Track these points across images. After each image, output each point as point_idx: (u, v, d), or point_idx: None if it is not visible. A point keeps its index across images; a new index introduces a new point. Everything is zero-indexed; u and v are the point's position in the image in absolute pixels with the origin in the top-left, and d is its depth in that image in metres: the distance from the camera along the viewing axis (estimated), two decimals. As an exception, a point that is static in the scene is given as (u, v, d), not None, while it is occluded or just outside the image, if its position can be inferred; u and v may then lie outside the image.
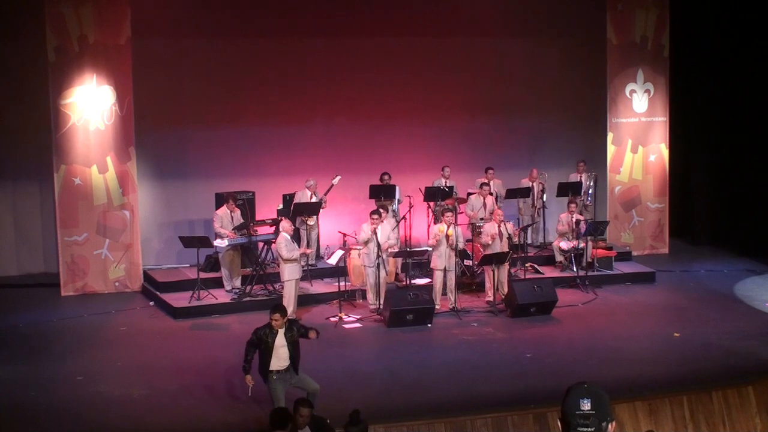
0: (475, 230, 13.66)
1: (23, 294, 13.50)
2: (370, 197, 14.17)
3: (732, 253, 15.68)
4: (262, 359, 8.21)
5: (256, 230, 13.13)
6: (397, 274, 13.58)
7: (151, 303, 13.01)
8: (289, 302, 11.57)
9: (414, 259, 13.54)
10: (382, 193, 14.15)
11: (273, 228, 13.01)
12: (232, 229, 12.81)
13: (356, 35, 15.26)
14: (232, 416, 8.69)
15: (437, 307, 12.14)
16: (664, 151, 15.92)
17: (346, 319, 11.99)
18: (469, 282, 13.47)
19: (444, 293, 12.41)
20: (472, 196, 14.24)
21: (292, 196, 14.06)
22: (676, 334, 11.31)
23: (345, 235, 13.11)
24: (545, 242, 15.24)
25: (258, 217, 13.61)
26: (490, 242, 12.56)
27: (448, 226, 12.13)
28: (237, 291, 12.82)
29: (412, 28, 15.41)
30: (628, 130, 15.77)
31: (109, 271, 13.61)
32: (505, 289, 12.41)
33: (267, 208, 14.18)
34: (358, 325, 11.91)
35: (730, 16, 15.70)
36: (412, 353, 10.73)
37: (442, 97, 15.72)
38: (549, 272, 13.93)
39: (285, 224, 11.95)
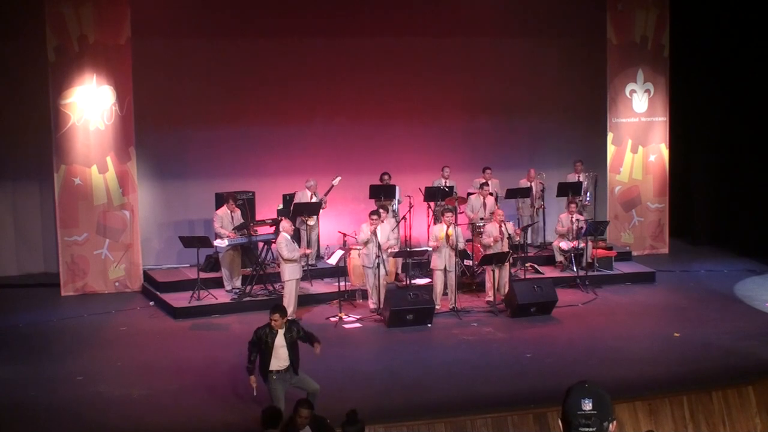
0: (476, 230, 13.67)
1: (23, 294, 13.50)
2: (370, 197, 14.17)
3: (732, 253, 15.68)
4: (261, 359, 8.21)
5: (256, 230, 13.13)
6: (397, 274, 13.58)
7: (151, 303, 13.01)
8: (290, 302, 11.57)
9: (414, 259, 13.54)
10: (382, 193, 14.15)
11: (273, 228, 13.01)
12: (232, 229, 12.81)
13: (356, 35, 15.26)
14: (232, 416, 8.69)
15: (437, 307, 12.14)
16: (664, 151, 15.92)
17: (346, 319, 11.99)
18: (469, 282, 13.47)
19: (445, 293, 12.41)
20: (471, 197, 14.24)
21: (292, 196, 14.06)
22: (676, 334, 11.31)
23: (345, 235, 13.11)
24: (545, 242, 15.25)
25: (258, 217, 13.61)
26: (492, 244, 12.56)
27: (448, 226, 12.13)
28: (237, 291, 12.82)
29: (412, 28, 15.41)
30: (628, 130, 15.77)
31: (109, 271, 13.61)
32: (506, 290, 12.41)
33: (267, 208, 14.18)
34: (358, 325, 11.91)
35: (730, 16, 15.70)
36: (412, 353, 10.73)
37: (442, 97, 15.72)
38: (549, 272, 13.93)
39: (285, 224, 11.95)
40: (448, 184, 14.65)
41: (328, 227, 14.28)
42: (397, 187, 14.28)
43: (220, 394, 9.35)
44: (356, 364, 10.36)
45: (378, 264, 11.98)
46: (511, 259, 12.84)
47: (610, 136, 15.74)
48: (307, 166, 14.59)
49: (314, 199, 13.81)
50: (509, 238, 12.66)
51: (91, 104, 13.31)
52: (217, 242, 12.71)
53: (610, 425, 3.19)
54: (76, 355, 10.66)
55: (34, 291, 13.65)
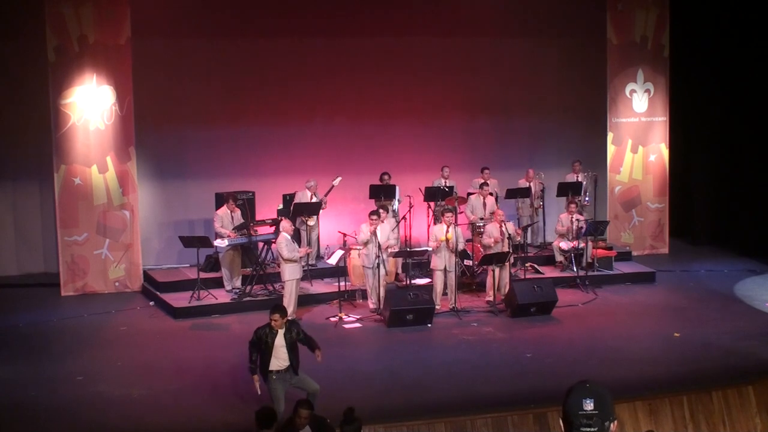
0: (476, 230, 13.66)
1: (23, 294, 13.50)
2: (370, 197, 14.18)
3: (732, 253, 15.68)
4: (261, 359, 8.21)
5: (256, 230, 13.13)
6: (397, 274, 13.58)
7: (151, 303, 13.01)
8: (290, 302, 11.57)
9: (414, 259, 13.54)
10: (382, 193, 14.16)
11: (273, 228, 13.01)
12: (232, 229, 12.81)
13: (356, 35, 15.26)
14: (232, 416, 8.68)
15: (437, 307, 12.14)
16: (664, 151, 15.92)
17: (346, 319, 11.99)
18: (469, 282, 13.46)
19: (445, 293, 12.41)
20: (471, 197, 14.24)
21: (292, 196, 14.06)
22: (676, 334, 11.31)
23: (345, 235, 13.11)
24: (545, 242, 15.25)
25: (258, 217, 13.62)
26: (492, 245, 12.55)
27: (448, 226, 12.13)
28: (237, 291, 12.82)
29: (412, 28, 15.41)
30: (628, 130, 15.77)
31: (109, 271, 13.61)
32: (507, 290, 12.41)
33: (267, 208, 14.18)
34: (358, 325, 11.91)
35: (730, 16, 15.70)
36: (412, 353, 10.73)
37: (442, 97, 15.73)
38: (549, 272, 13.93)
39: (285, 224, 11.95)
40: (448, 184, 14.65)
41: (328, 227, 14.28)
42: (397, 187, 14.29)
43: (220, 394, 9.35)
44: (356, 364, 10.36)
45: (378, 264, 11.98)
46: (512, 258, 12.84)
47: (610, 136, 15.74)
48: (307, 166, 14.59)
49: (314, 200, 13.81)
50: (509, 238, 12.66)
51: (91, 104, 13.31)
52: (217, 242, 12.71)
53: (612, 425, 3.19)
54: (76, 355, 10.66)
55: (34, 291, 13.65)
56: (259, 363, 8.25)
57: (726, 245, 16.14)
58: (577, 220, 13.76)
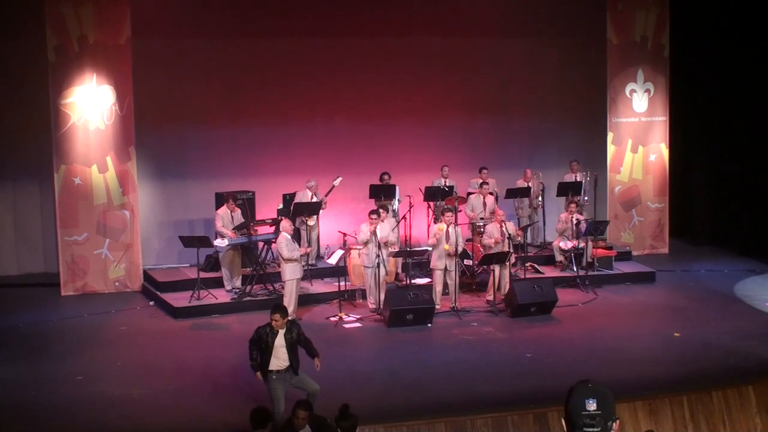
0: (476, 230, 13.66)
1: (23, 294, 13.50)
2: (370, 197, 14.18)
3: (732, 253, 15.68)
4: (261, 359, 8.21)
5: (256, 230, 13.13)
6: (397, 274, 13.58)
7: (151, 303, 13.02)
8: (290, 302, 11.57)
9: (414, 259, 13.54)
10: (382, 193, 14.16)
11: (273, 228, 13.01)
12: (233, 229, 12.81)
13: (356, 35, 15.26)
14: (232, 416, 8.67)
15: (437, 307, 12.14)
16: (664, 151, 15.93)
17: (346, 319, 11.99)
18: (469, 282, 13.46)
19: (445, 292, 12.41)
20: (471, 196, 14.25)
21: (292, 196, 14.06)
22: (676, 334, 11.31)
23: (345, 235, 13.12)
24: (545, 242, 15.25)
25: (258, 217, 13.62)
26: (493, 245, 12.55)
27: (448, 226, 12.14)
28: (237, 291, 12.83)
29: (412, 28, 15.41)
30: (628, 130, 15.77)
31: (109, 271, 13.61)
32: (507, 289, 12.41)
33: (267, 208, 14.18)
34: (358, 325, 11.91)
35: (730, 16, 15.70)
36: (412, 353, 10.73)
37: (442, 97, 15.73)
38: (549, 272, 13.94)
39: (285, 224, 11.95)
40: (447, 184, 14.65)
41: (328, 227, 14.29)
42: (397, 187, 14.29)
43: (220, 394, 9.35)
44: (356, 364, 10.36)
45: (378, 264, 11.98)
46: (512, 258, 12.84)
47: (610, 136, 15.74)
48: (307, 166, 14.59)
49: (315, 200, 13.81)
50: (509, 238, 12.66)
51: (91, 104, 13.31)
52: (217, 242, 12.71)
53: (614, 424, 3.19)
54: (76, 355, 10.66)
55: (34, 291, 13.65)
56: (259, 361, 8.25)
57: (726, 245, 16.14)
58: (578, 219, 13.76)
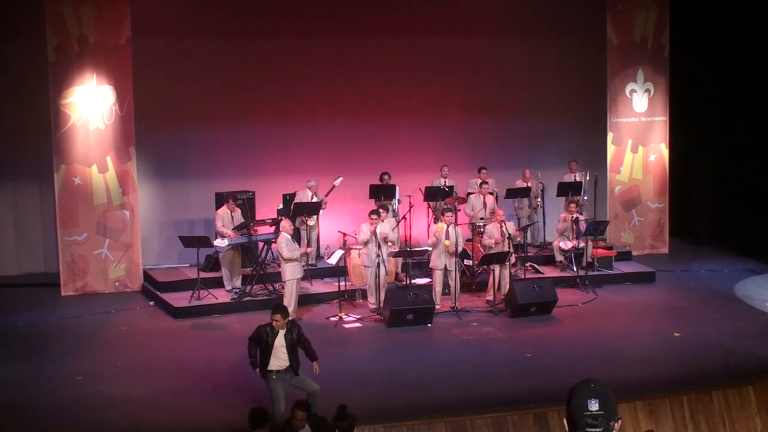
0: (476, 230, 13.66)
1: (23, 294, 13.50)
2: (370, 197, 14.18)
3: (732, 253, 15.68)
4: (261, 358, 8.21)
5: (256, 230, 13.13)
6: (397, 274, 13.58)
7: (151, 303, 13.02)
8: (290, 302, 11.57)
9: (414, 259, 13.54)
10: (382, 193, 14.16)
11: (273, 228, 13.01)
12: (233, 229, 12.81)
13: (356, 35, 15.27)
14: (232, 416, 8.67)
15: (437, 306, 12.14)
16: (664, 151, 15.93)
17: (346, 319, 11.99)
18: (469, 282, 13.47)
19: (445, 292, 12.41)
20: (471, 196, 14.25)
21: (292, 196, 14.06)
22: (676, 334, 11.31)
23: (345, 235, 13.12)
24: (545, 242, 15.25)
25: (258, 217, 13.62)
26: (493, 246, 12.55)
27: (448, 226, 12.14)
28: (237, 291, 12.83)
29: (412, 28, 15.41)
30: (628, 130, 15.77)
31: (109, 271, 13.61)
32: (507, 289, 12.41)
33: (267, 208, 14.18)
34: (358, 325, 11.91)
35: (730, 16, 15.70)
36: (412, 353, 10.73)
37: (442, 97, 15.73)
38: (549, 272, 13.94)
39: (285, 224, 11.95)
40: (447, 184, 14.65)
41: (328, 227, 14.28)
42: (397, 187, 14.29)
43: (220, 394, 9.35)
44: (356, 364, 10.35)
45: (378, 264, 11.98)
46: (512, 258, 12.84)
47: (610, 136, 15.74)
48: (307, 166, 14.59)
49: (315, 200, 13.81)
50: (509, 238, 12.66)
51: (91, 104, 13.31)
52: (217, 242, 12.72)
53: (616, 424, 3.19)
54: (76, 355, 10.66)
55: (34, 291, 13.65)
56: (259, 360, 8.25)
57: (726, 245, 16.14)
58: (578, 219, 13.76)
